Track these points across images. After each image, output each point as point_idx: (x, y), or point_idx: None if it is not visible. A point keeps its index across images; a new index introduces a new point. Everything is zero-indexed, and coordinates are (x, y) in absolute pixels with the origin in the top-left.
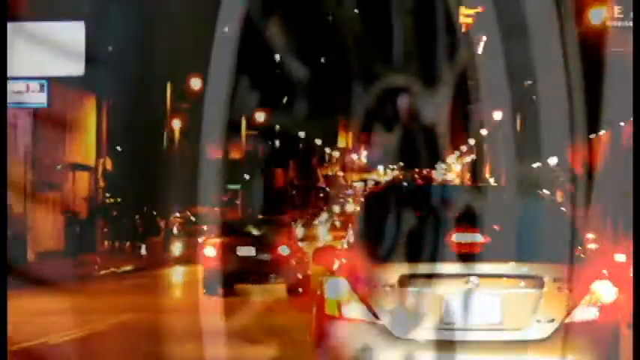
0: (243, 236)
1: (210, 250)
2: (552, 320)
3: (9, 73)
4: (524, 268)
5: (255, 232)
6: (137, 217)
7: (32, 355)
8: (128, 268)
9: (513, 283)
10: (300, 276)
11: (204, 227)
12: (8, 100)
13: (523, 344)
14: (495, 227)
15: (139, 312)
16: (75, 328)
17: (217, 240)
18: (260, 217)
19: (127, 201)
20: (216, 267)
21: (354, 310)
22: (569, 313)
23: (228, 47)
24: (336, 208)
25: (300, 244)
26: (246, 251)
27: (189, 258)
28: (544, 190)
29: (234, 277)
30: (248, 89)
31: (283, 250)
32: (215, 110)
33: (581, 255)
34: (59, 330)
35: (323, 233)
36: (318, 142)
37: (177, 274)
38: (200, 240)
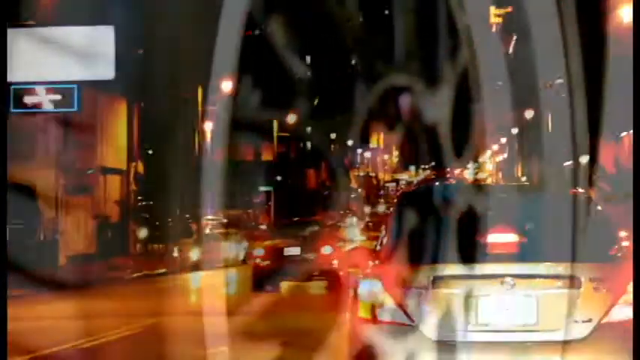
0: (290, 237)
1: (259, 250)
2: (589, 320)
3: (39, 78)
4: (560, 268)
5: (300, 233)
6: (169, 219)
7: (66, 359)
8: (161, 270)
9: (549, 283)
10: (340, 274)
11: (237, 229)
12: (44, 106)
13: (560, 345)
14: (530, 226)
15: (172, 315)
16: (107, 331)
17: (266, 242)
18: (303, 219)
19: (159, 204)
20: (264, 266)
21: (387, 312)
22: (606, 313)
23: (257, 49)
24: (368, 209)
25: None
26: (293, 251)
27: (222, 260)
28: (578, 188)
29: (281, 276)
30: (279, 91)
31: (326, 250)
32: (245, 112)
33: (617, 254)
34: (92, 333)
35: (355, 234)
36: (350, 142)
37: (210, 276)
38: (237, 242)
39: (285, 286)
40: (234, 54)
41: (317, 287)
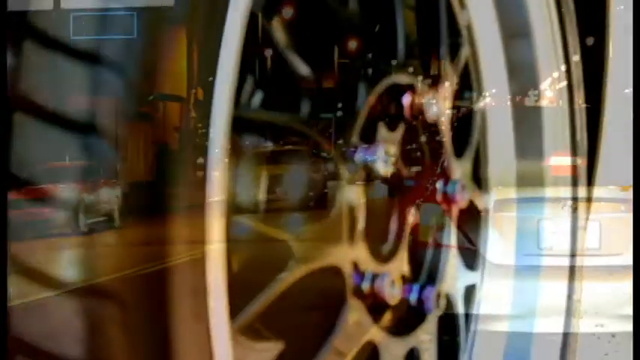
0: None
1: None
2: None
3: (97, 5)
4: (623, 192)
5: None
6: (229, 147)
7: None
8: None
9: (613, 207)
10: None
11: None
12: (102, 33)
13: (623, 269)
14: (594, 150)
15: (234, 241)
16: (168, 257)
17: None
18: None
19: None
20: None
21: (447, 236)
22: None
23: None
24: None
25: None
26: None
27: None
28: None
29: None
30: (340, 17)
31: None
32: (304, 38)
33: None
34: (154, 259)
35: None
36: (410, 70)
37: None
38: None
39: None
40: None
41: None
